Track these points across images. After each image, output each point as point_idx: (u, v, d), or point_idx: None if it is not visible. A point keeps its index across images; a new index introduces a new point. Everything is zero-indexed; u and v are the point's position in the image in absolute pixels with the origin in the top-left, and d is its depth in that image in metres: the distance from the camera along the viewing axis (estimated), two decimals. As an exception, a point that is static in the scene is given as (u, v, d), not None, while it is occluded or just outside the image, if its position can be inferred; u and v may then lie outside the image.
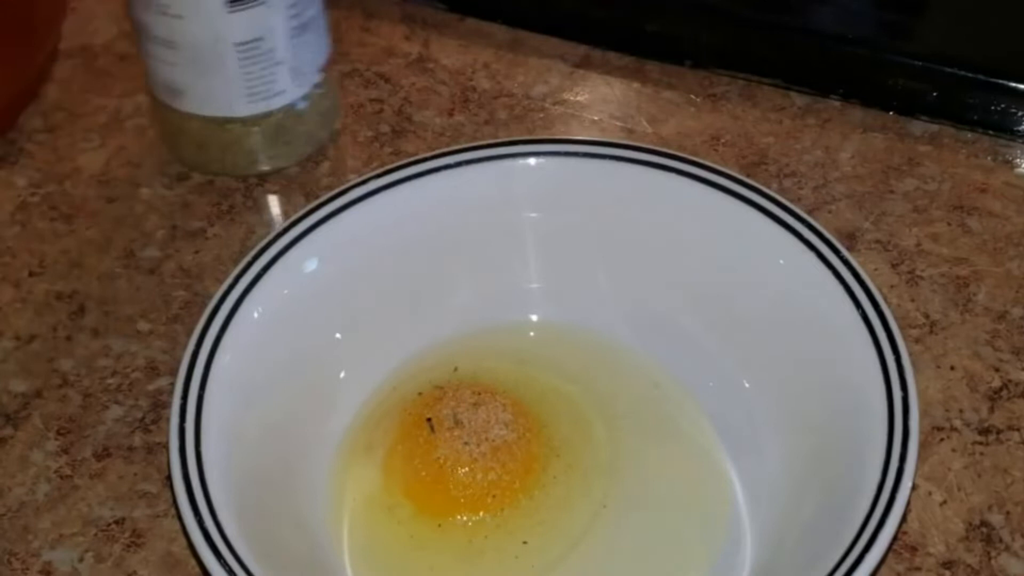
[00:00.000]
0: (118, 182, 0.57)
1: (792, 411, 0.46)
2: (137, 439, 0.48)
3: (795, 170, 0.56)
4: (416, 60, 0.61)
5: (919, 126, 0.57)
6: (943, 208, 0.54)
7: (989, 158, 0.56)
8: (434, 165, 0.49)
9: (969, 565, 0.44)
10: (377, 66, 0.61)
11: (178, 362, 0.45)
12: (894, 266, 0.52)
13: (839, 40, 0.58)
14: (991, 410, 0.48)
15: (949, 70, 0.56)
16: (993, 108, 0.56)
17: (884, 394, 0.42)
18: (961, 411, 0.48)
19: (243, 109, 0.54)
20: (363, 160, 0.57)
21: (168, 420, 0.43)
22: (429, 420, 0.46)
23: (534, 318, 0.51)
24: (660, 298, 0.49)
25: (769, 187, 0.49)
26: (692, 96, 0.59)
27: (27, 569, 0.45)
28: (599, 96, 0.60)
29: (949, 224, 0.54)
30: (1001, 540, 0.45)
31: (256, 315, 0.46)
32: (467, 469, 0.45)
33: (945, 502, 0.46)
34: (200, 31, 0.52)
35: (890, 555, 0.44)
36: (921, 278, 0.52)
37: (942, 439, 0.47)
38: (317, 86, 0.56)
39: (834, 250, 0.46)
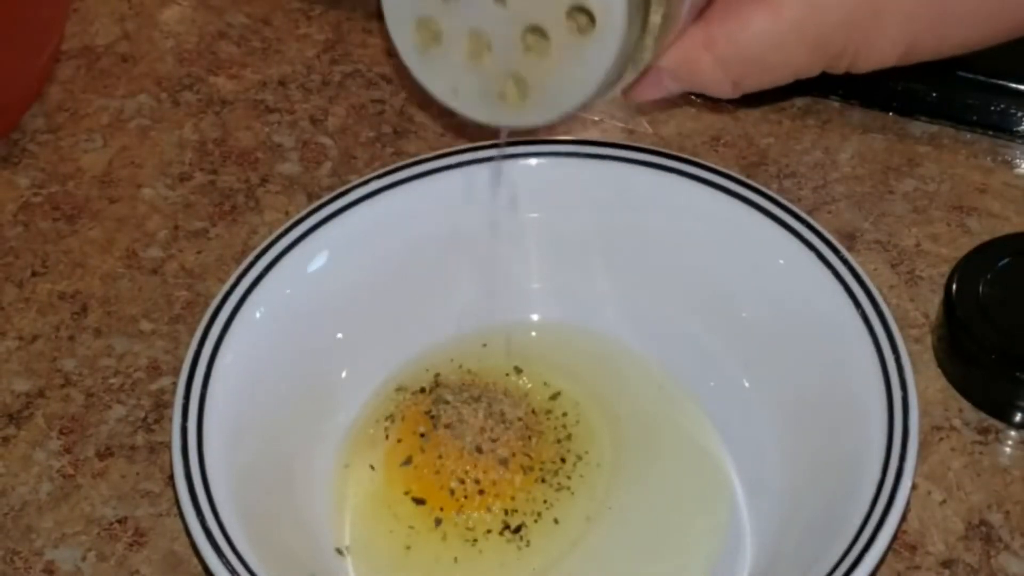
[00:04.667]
0: (120, 182, 0.57)
1: (792, 411, 0.46)
2: (139, 438, 0.48)
3: (795, 171, 0.56)
4: (417, 61, 0.61)
5: (918, 127, 0.57)
6: (942, 208, 0.54)
7: (988, 159, 0.56)
8: (436, 166, 0.49)
9: (968, 564, 0.44)
10: (379, 67, 0.61)
11: (180, 362, 0.45)
12: (894, 266, 0.52)
13: (839, 41, 0.58)
14: (990, 410, 0.48)
15: (949, 71, 0.56)
16: (992, 109, 0.56)
17: (884, 394, 0.42)
18: (961, 410, 0.48)
19: None
20: (365, 160, 0.57)
21: (170, 420, 0.44)
22: (431, 419, 0.46)
23: (535, 318, 0.51)
24: (660, 298, 0.49)
25: (769, 188, 0.49)
26: (692, 97, 0.59)
27: (30, 568, 0.45)
28: (600, 97, 0.60)
29: (948, 224, 0.54)
30: (1000, 539, 0.45)
31: (258, 315, 0.46)
32: (468, 468, 0.45)
33: (945, 501, 0.46)
34: None
35: (890, 554, 0.44)
36: (921, 278, 0.52)
37: (941, 438, 0.47)
38: None
39: (834, 250, 0.46)
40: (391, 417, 0.47)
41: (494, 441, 0.45)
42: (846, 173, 0.56)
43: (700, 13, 0.42)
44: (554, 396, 0.48)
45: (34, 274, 0.54)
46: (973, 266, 0.49)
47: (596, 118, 0.59)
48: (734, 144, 0.57)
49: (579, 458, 0.46)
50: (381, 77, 0.61)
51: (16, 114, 0.59)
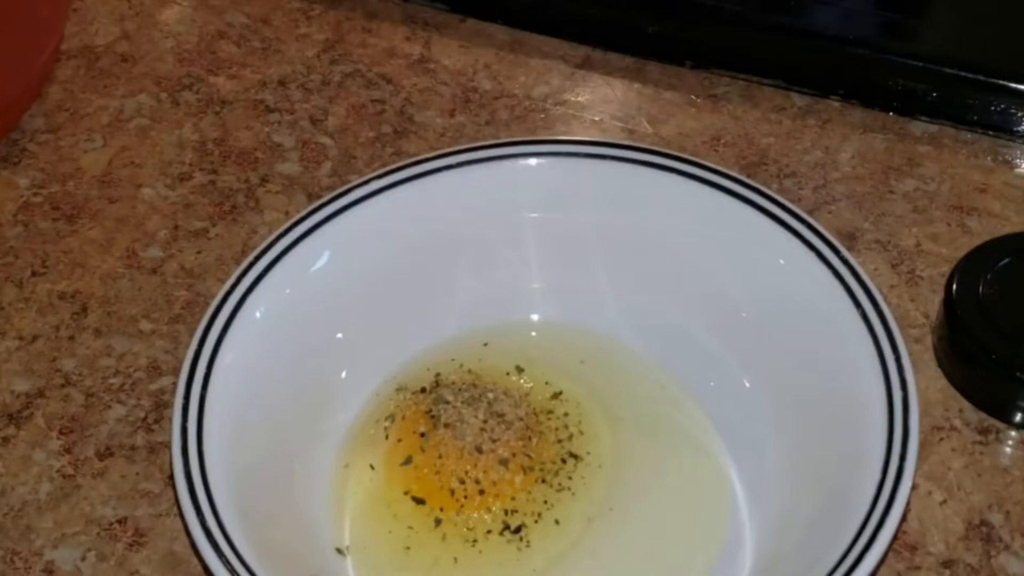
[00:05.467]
0: (120, 182, 0.57)
1: (792, 411, 0.46)
2: (139, 438, 0.48)
3: (795, 170, 0.56)
4: (417, 61, 0.61)
5: (919, 126, 0.57)
6: (943, 208, 0.54)
7: (989, 158, 0.56)
8: (436, 166, 0.49)
9: (969, 564, 0.44)
10: (379, 67, 0.61)
11: (180, 362, 0.45)
12: (894, 266, 0.52)
13: (839, 40, 0.58)
14: (991, 410, 0.48)
15: (949, 70, 0.56)
16: (993, 108, 0.56)
17: (884, 394, 0.43)
18: (961, 410, 0.48)
19: None
20: (365, 160, 0.57)
21: (170, 420, 0.44)
22: (431, 419, 0.46)
23: (535, 318, 0.51)
24: (660, 298, 0.49)
25: (769, 187, 0.49)
26: (693, 96, 0.59)
27: (30, 568, 0.45)
28: (600, 97, 0.60)
29: (949, 224, 0.54)
30: (1001, 539, 0.45)
31: (258, 315, 0.46)
32: (468, 468, 0.45)
33: (945, 501, 0.46)
34: None
35: (890, 554, 0.44)
36: (921, 278, 0.52)
37: (942, 438, 0.47)
38: None
39: (834, 250, 0.46)
40: (391, 417, 0.47)
41: (494, 441, 0.45)
42: (846, 173, 0.56)
43: None
44: (555, 396, 0.48)
45: (34, 274, 0.54)
46: (973, 266, 0.49)
47: (596, 118, 0.59)
48: (734, 144, 0.57)
49: (580, 459, 0.46)
50: (381, 77, 0.61)
51: (16, 114, 0.59)
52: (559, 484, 0.45)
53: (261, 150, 0.58)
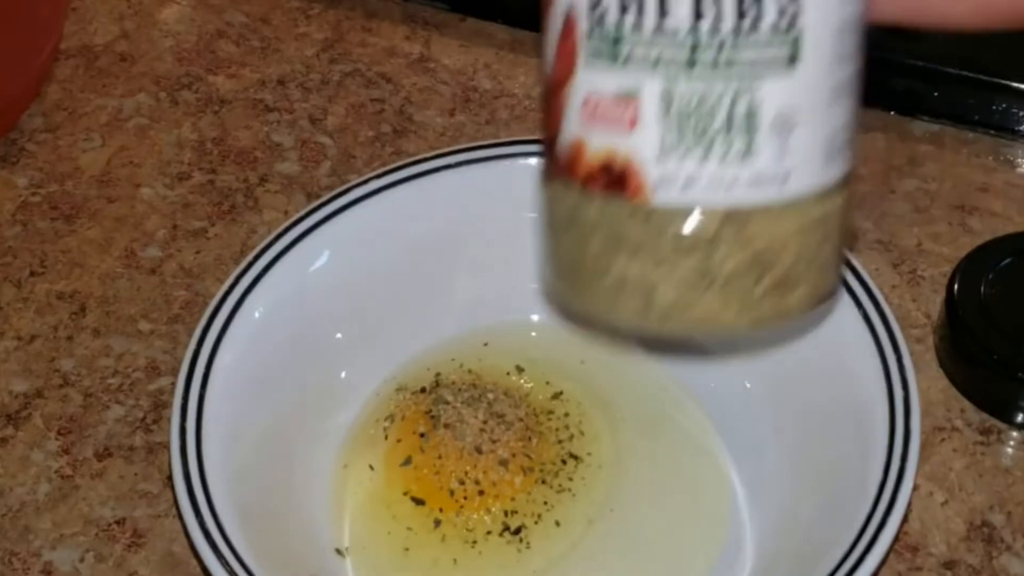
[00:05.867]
0: (119, 182, 0.57)
1: (793, 412, 0.46)
2: (138, 439, 0.48)
3: (796, 170, 0.56)
4: (417, 60, 0.61)
5: (920, 126, 0.57)
6: (944, 208, 0.54)
7: (990, 158, 0.56)
8: (435, 165, 0.49)
9: (970, 565, 0.44)
10: (378, 66, 0.61)
11: (179, 362, 0.45)
12: (895, 266, 0.52)
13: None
14: (992, 410, 0.48)
15: (950, 70, 0.56)
16: (994, 108, 0.56)
17: (885, 394, 0.42)
18: (962, 411, 0.48)
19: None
20: (364, 160, 0.57)
21: (169, 420, 0.43)
22: (431, 419, 0.46)
23: (535, 318, 0.51)
24: (661, 298, 0.49)
25: (770, 187, 0.49)
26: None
27: (28, 569, 0.45)
28: (600, 96, 0.60)
29: (950, 224, 0.53)
30: (1002, 540, 0.45)
31: (257, 315, 0.46)
32: (468, 469, 0.45)
33: (946, 502, 0.46)
34: None
35: (891, 555, 0.44)
36: (922, 278, 0.52)
37: (943, 439, 0.47)
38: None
39: (835, 250, 0.46)
40: (391, 417, 0.47)
41: (494, 442, 0.45)
42: (847, 173, 0.55)
43: None
44: (555, 396, 0.47)
45: (32, 274, 0.53)
46: (975, 266, 0.49)
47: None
48: (735, 143, 0.57)
49: (580, 459, 0.46)
50: (381, 76, 0.61)
51: (15, 113, 0.59)
52: (559, 485, 0.45)
53: (260, 150, 0.58)
